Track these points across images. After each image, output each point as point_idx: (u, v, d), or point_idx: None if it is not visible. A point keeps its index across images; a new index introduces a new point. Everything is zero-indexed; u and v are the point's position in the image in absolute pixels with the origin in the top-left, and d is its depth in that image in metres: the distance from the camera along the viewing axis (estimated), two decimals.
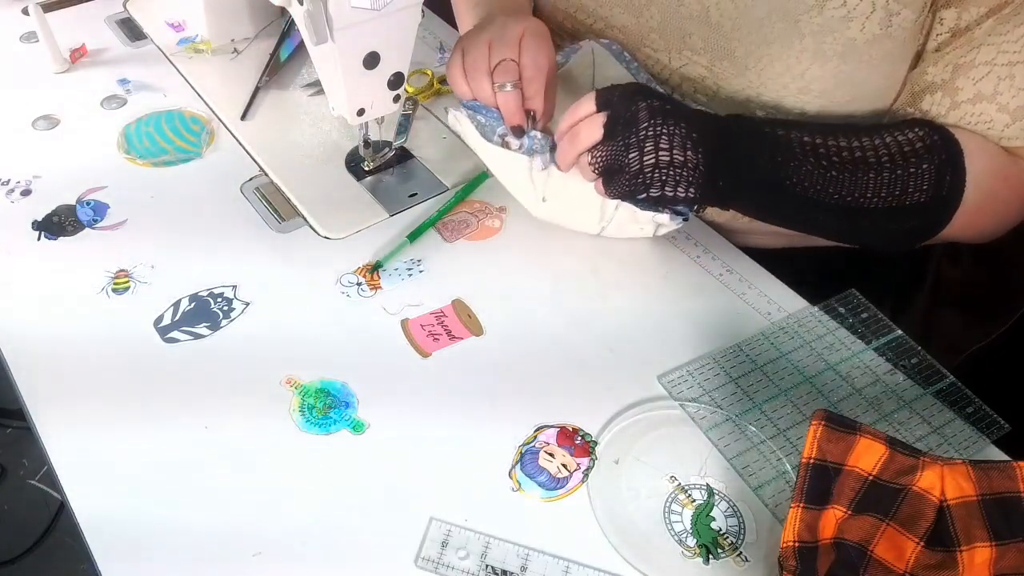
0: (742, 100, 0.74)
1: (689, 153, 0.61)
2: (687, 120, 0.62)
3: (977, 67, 0.65)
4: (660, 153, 0.61)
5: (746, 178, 0.63)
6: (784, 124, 0.65)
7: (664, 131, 0.61)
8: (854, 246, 0.73)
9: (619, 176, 0.62)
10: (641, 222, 0.71)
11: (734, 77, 0.73)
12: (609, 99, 0.63)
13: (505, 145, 0.71)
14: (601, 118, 0.63)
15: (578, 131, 0.64)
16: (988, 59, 0.64)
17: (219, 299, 0.70)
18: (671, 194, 0.61)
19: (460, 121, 0.73)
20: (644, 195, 0.62)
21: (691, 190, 0.61)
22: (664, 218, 0.69)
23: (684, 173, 0.61)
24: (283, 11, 0.95)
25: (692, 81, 0.76)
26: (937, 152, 0.64)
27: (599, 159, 0.63)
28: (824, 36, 0.68)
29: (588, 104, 0.64)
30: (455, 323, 0.69)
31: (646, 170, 0.61)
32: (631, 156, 0.61)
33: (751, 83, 0.72)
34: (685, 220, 0.70)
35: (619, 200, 0.67)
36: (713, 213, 0.81)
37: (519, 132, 0.71)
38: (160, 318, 0.69)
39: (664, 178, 0.61)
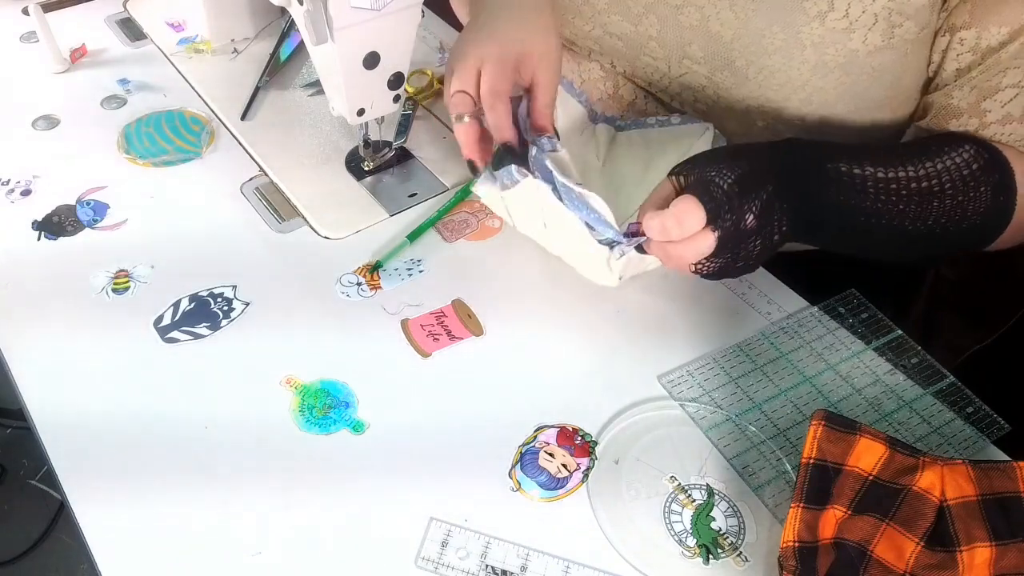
0: (742, 110, 0.73)
1: (784, 230, 0.59)
2: (779, 195, 0.58)
3: (1004, 90, 0.64)
4: (767, 246, 0.59)
5: (820, 220, 0.62)
6: (850, 156, 0.62)
7: (769, 227, 0.58)
8: (904, 261, 0.74)
9: (729, 272, 0.60)
10: (594, 264, 0.64)
11: (734, 87, 0.72)
12: (718, 212, 0.56)
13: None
14: (712, 238, 0.57)
15: (685, 250, 0.58)
16: (1015, 82, 0.64)
17: (219, 299, 0.70)
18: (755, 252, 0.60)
19: (529, 186, 0.63)
20: (741, 264, 0.60)
21: (776, 237, 0.59)
22: (597, 246, 0.62)
23: (774, 247, 0.59)
24: (283, 11, 0.95)
25: (692, 90, 0.76)
26: (991, 172, 0.64)
27: (710, 269, 0.59)
28: (826, 47, 0.67)
29: (696, 215, 0.56)
30: (455, 323, 0.69)
31: (749, 265, 0.60)
32: (739, 265, 0.59)
33: (752, 93, 0.72)
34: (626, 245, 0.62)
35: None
36: None
37: (473, 169, 0.69)
38: (160, 318, 0.69)
39: (763, 258, 0.60)
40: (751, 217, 0.57)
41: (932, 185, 0.62)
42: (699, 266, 0.59)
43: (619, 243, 0.61)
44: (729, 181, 0.57)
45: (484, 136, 0.69)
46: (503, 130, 0.66)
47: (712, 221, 0.56)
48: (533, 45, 0.68)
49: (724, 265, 0.58)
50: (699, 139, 0.75)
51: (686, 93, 0.77)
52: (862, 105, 0.70)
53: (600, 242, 0.61)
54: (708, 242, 0.56)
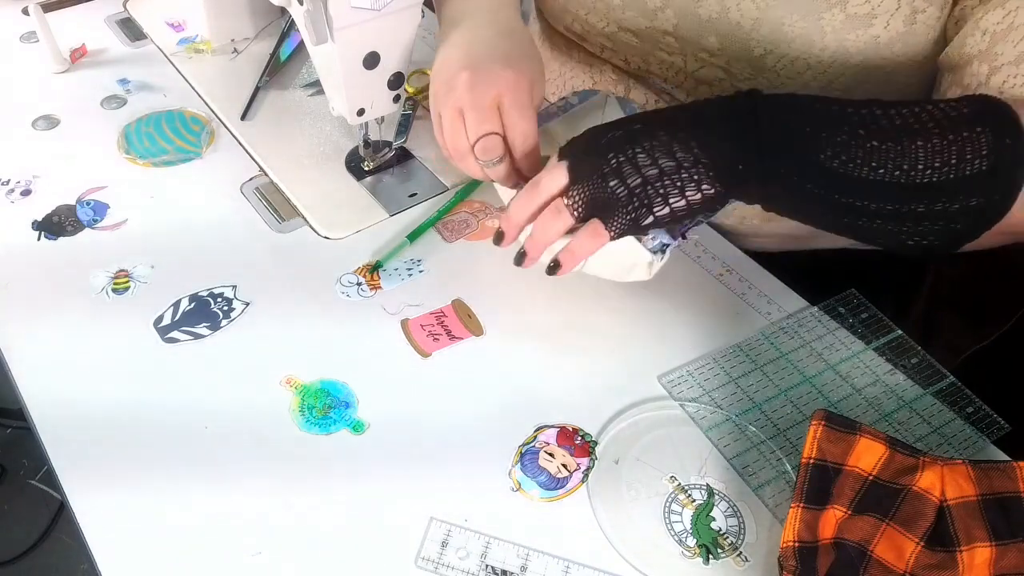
0: None
1: (680, 154, 0.54)
2: (666, 123, 0.55)
3: (1016, 29, 0.60)
4: (644, 169, 0.55)
5: (768, 155, 0.54)
6: (811, 96, 0.56)
7: (636, 150, 0.55)
8: (909, 243, 0.58)
9: (612, 210, 0.56)
10: (625, 264, 0.62)
11: (752, 77, 0.72)
12: (570, 150, 0.58)
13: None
14: (562, 165, 0.57)
15: (537, 181, 0.58)
16: None
17: (219, 299, 0.70)
18: (683, 203, 0.55)
19: None
20: (651, 218, 0.55)
21: (705, 187, 0.54)
22: (645, 255, 0.60)
23: (684, 175, 0.54)
24: (283, 11, 0.95)
25: (708, 84, 0.76)
26: (989, 115, 0.54)
27: (576, 199, 0.57)
28: (847, 34, 0.67)
29: (554, 167, 0.57)
30: (455, 323, 0.69)
31: (635, 191, 0.55)
32: (612, 184, 0.55)
33: (770, 82, 0.71)
34: (676, 246, 0.62)
35: (625, 238, 0.58)
36: (720, 216, 0.81)
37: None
38: (160, 318, 0.69)
39: (663, 190, 0.54)
40: (603, 143, 0.56)
41: (910, 123, 0.53)
42: (569, 200, 0.57)
43: (669, 245, 0.60)
44: (594, 132, 0.57)
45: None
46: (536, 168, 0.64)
47: (564, 157, 0.57)
48: (532, 74, 0.66)
49: (596, 190, 0.56)
50: (603, 111, 0.74)
51: (701, 88, 0.77)
52: (882, 91, 0.69)
53: (650, 249, 0.60)
54: (559, 170, 0.57)
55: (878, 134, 0.53)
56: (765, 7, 0.69)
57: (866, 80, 0.68)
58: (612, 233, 0.57)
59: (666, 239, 0.60)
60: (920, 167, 0.53)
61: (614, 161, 0.55)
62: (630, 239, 0.59)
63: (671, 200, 0.55)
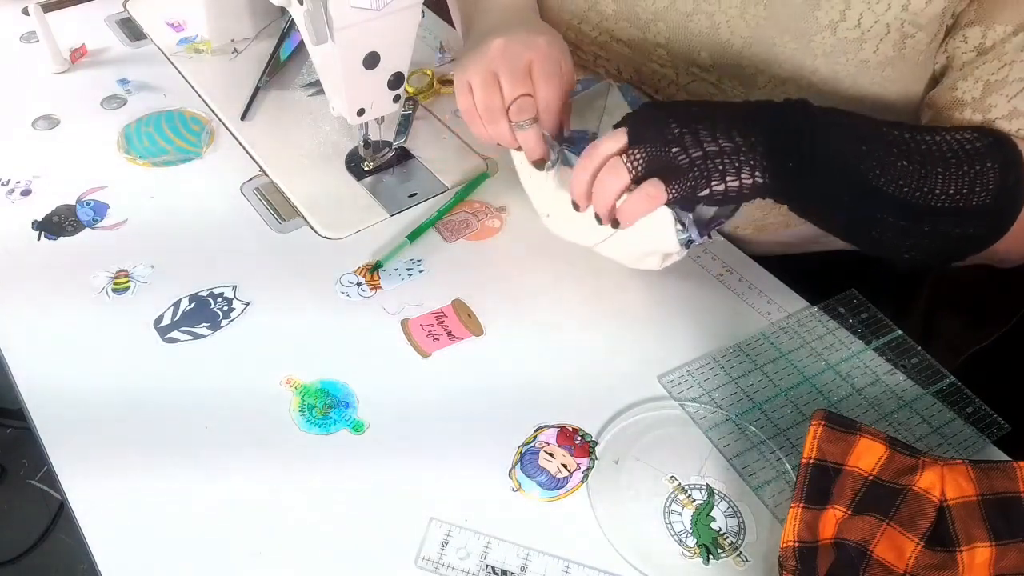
0: None
1: (738, 139, 0.55)
2: (723, 110, 0.57)
3: (1011, 83, 0.63)
4: (706, 145, 0.55)
5: (815, 156, 0.56)
6: (841, 111, 0.59)
7: (698, 126, 0.56)
8: (905, 256, 0.64)
9: (673, 174, 0.56)
10: (645, 250, 0.65)
11: (743, 95, 0.72)
12: (630, 119, 0.59)
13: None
14: (621, 130, 0.59)
15: (597, 144, 0.59)
16: (1021, 75, 0.62)
17: (219, 299, 0.70)
18: (736, 183, 0.56)
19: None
20: (707, 190, 0.56)
21: (757, 174, 0.56)
22: (673, 244, 0.62)
23: (742, 158, 0.55)
24: (283, 11, 0.95)
25: (699, 97, 0.76)
26: (998, 151, 0.60)
27: (637, 158, 0.57)
28: (837, 56, 0.67)
29: (614, 132, 0.59)
30: (455, 323, 0.69)
31: (696, 162, 0.55)
32: (674, 151, 0.56)
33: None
34: (699, 244, 0.64)
35: (664, 218, 0.60)
36: None
37: (541, 165, 0.67)
38: (160, 318, 0.69)
39: (722, 167, 0.55)
40: (667, 113, 0.57)
41: (933, 150, 0.58)
42: (629, 159, 0.58)
43: (695, 242, 0.61)
44: (656, 105, 0.59)
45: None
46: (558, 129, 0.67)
47: (622, 124, 0.59)
48: (561, 49, 0.68)
49: (659, 156, 0.57)
50: (606, 99, 0.75)
51: None
52: (872, 114, 0.70)
53: (680, 240, 0.61)
54: (618, 134, 0.58)
55: (907, 155, 0.57)
56: (756, 26, 0.69)
57: (858, 105, 0.69)
58: (671, 195, 0.57)
59: (695, 235, 0.61)
60: (937, 192, 0.57)
61: (677, 130, 0.56)
62: (668, 221, 0.60)
63: (728, 179, 0.56)
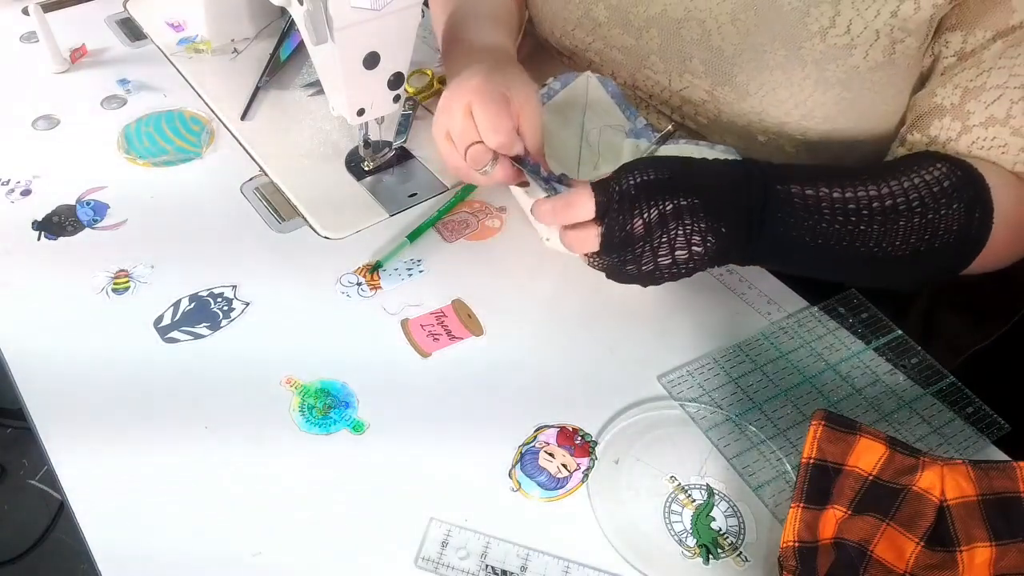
0: (744, 124, 0.73)
1: (696, 248, 0.58)
2: (695, 212, 0.57)
3: (988, 91, 0.64)
4: (661, 260, 0.59)
5: (765, 244, 0.60)
6: (814, 177, 0.61)
7: (665, 239, 0.58)
8: (874, 289, 0.71)
9: (620, 278, 0.61)
10: None
11: (735, 102, 0.72)
12: (607, 207, 0.58)
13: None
14: (595, 233, 0.59)
15: (573, 241, 0.61)
16: (999, 82, 0.63)
17: (219, 299, 0.70)
18: (682, 276, 0.61)
19: None
20: (649, 285, 0.62)
21: (706, 268, 0.61)
22: None
23: (692, 265, 0.59)
24: (283, 11, 0.95)
25: (693, 104, 0.76)
26: (965, 189, 0.62)
27: (599, 266, 0.61)
28: (827, 63, 0.67)
29: (586, 205, 0.59)
30: (455, 323, 0.69)
31: (645, 274, 0.60)
32: (629, 268, 0.60)
33: (753, 108, 0.72)
34: None
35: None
36: None
37: (526, 185, 0.67)
38: (160, 318, 0.69)
39: (670, 274, 0.60)
40: (639, 222, 0.57)
41: (898, 203, 0.60)
42: (591, 260, 0.61)
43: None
44: (634, 183, 0.58)
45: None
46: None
47: (599, 216, 0.58)
48: (501, 76, 0.66)
49: (613, 266, 0.60)
50: (587, 92, 0.75)
51: (687, 107, 0.77)
52: (864, 119, 0.70)
53: None
54: (592, 234, 0.59)
55: (867, 219, 0.60)
56: (746, 32, 0.69)
57: (848, 108, 0.69)
58: (613, 280, 0.62)
59: None
60: (898, 243, 0.60)
61: (638, 249, 0.58)
62: None
63: (676, 278, 0.61)
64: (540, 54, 0.92)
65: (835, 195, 0.60)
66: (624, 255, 0.59)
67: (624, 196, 0.57)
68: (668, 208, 0.57)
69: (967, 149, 0.66)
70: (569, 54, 0.84)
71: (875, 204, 0.60)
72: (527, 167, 0.65)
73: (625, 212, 0.57)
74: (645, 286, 0.62)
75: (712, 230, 0.58)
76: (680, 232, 0.57)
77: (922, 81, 0.69)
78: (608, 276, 0.62)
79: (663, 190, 0.57)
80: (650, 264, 0.59)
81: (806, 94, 0.69)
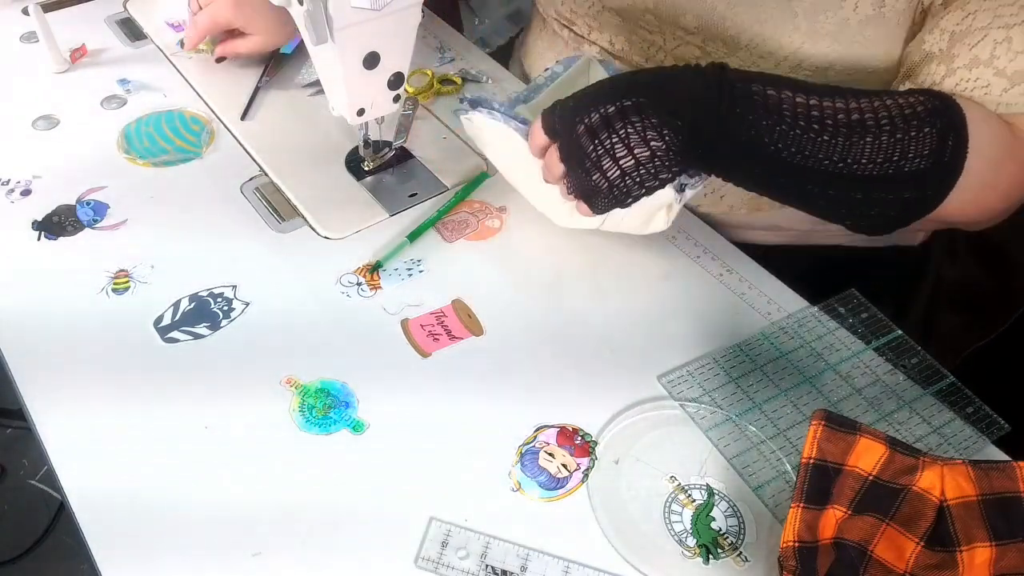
0: None
1: (654, 144, 0.58)
2: (643, 110, 0.58)
3: (973, 32, 0.63)
4: (622, 162, 0.59)
5: (725, 143, 0.59)
6: (777, 82, 0.59)
7: (616, 138, 0.59)
8: (846, 223, 0.66)
9: (597, 197, 0.62)
10: (647, 210, 0.67)
11: (727, 56, 0.74)
12: (553, 126, 0.61)
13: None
14: (554, 151, 0.62)
15: (544, 171, 0.64)
16: (984, 24, 0.62)
17: (219, 299, 0.70)
18: (655, 185, 0.60)
19: (475, 121, 0.70)
20: (629, 201, 0.61)
21: (674, 169, 0.60)
22: (668, 194, 0.64)
23: (657, 163, 0.59)
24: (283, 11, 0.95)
25: (686, 62, 0.77)
26: (939, 116, 0.59)
27: (572, 188, 0.63)
28: (817, 15, 0.68)
29: (537, 134, 0.63)
30: (455, 323, 0.69)
31: (615, 183, 0.60)
32: (595, 178, 0.60)
33: (743, 61, 0.73)
34: (693, 185, 0.65)
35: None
36: (708, 206, 0.81)
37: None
38: (160, 318, 0.69)
39: (639, 179, 0.60)
40: (582, 128, 0.59)
41: (865, 119, 0.58)
42: (568, 186, 0.63)
43: (688, 183, 0.64)
44: (575, 98, 0.61)
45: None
46: None
47: (548, 134, 0.62)
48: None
49: (582, 183, 0.61)
50: (588, 75, 0.76)
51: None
52: (854, 73, 0.71)
53: (674, 187, 0.64)
54: (555, 158, 0.62)
55: (831, 129, 0.58)
56: None
57: (838, 61, 0.70)
58: (600, 211, 0.63)
59: (684, 178, 0.64)
60: (864, 161, 0.58)
61: (593, 154, 0.60)
62: None
63: (646, 186, 0.61)
64: (545, 36, 0.93)
65: (798, 99, 0.58)
66: (584, 164, 0.60)
67: (564, 109, 0.61)
68: (610, 110, 0.59)
69: (951, 91, 0.64)
70: (568, 23, 0.85)
71: (840, 116, 0.58)
72: (498, 111, 0.68)
73: (567, 123, 0.60)
74: (625, 205, 0.62)
75: (666, 124, 0.58)
76: (631, 130, 0.58)
77: (913, 37, 0.69)
78: (585, 200, 0.63)
79: (601, 96, 0.60)
80: (614, 169, 0.59)
81: (796, 46, 0.70)
